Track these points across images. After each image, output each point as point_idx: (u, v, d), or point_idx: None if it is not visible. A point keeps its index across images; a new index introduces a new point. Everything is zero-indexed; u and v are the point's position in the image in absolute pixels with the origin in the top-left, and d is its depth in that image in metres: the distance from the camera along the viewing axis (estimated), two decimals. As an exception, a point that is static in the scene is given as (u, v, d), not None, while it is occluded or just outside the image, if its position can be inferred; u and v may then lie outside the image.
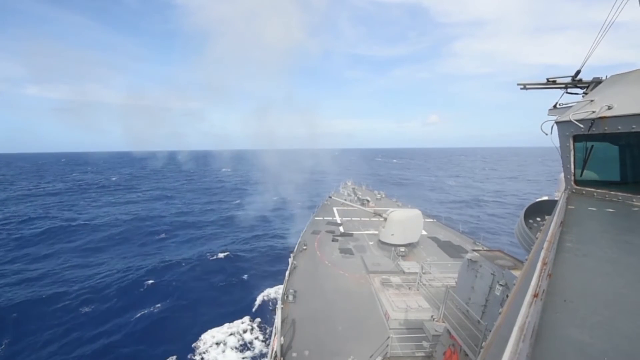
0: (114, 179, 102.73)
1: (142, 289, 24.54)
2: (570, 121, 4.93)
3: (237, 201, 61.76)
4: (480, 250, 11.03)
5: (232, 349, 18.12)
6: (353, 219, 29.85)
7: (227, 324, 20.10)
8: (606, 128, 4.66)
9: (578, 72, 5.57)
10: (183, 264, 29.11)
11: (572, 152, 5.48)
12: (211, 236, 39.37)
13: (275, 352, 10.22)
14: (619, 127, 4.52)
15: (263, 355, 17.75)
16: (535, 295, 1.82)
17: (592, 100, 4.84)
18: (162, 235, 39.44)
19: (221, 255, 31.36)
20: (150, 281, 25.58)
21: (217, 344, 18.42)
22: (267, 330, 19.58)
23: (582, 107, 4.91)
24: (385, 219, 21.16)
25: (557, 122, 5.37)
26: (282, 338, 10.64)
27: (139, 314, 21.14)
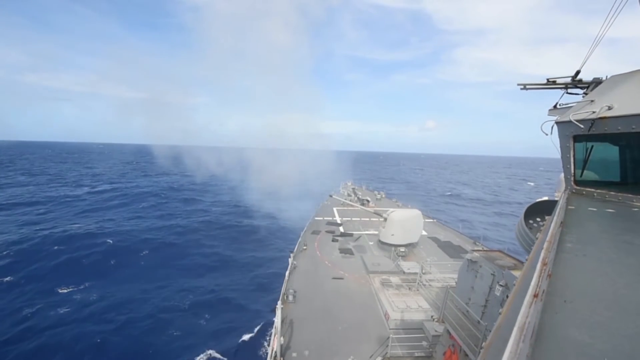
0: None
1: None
2: (570, 121, 4.93)
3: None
4: (480, 250, 11.02)
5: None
6: (353, 219, 29.85)
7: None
8: (606, 128, 4.66)
9: (578, 73, 5.56)
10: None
11: (572, 153, 5.47)
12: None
13: (275, 352, 10.21)
14: (619, 128, 4.51)
15: (263, 355, 17.73)
16: (535, 296, 1.82)
17: (592, 101, 4.83)
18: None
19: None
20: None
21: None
22: (267, 331, 19.55)
23: (582, 108, 4.91)
24: (385, 219, 21.17)
25: (558, 123, 5.37)
26: (281, 338, 10.63)
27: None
